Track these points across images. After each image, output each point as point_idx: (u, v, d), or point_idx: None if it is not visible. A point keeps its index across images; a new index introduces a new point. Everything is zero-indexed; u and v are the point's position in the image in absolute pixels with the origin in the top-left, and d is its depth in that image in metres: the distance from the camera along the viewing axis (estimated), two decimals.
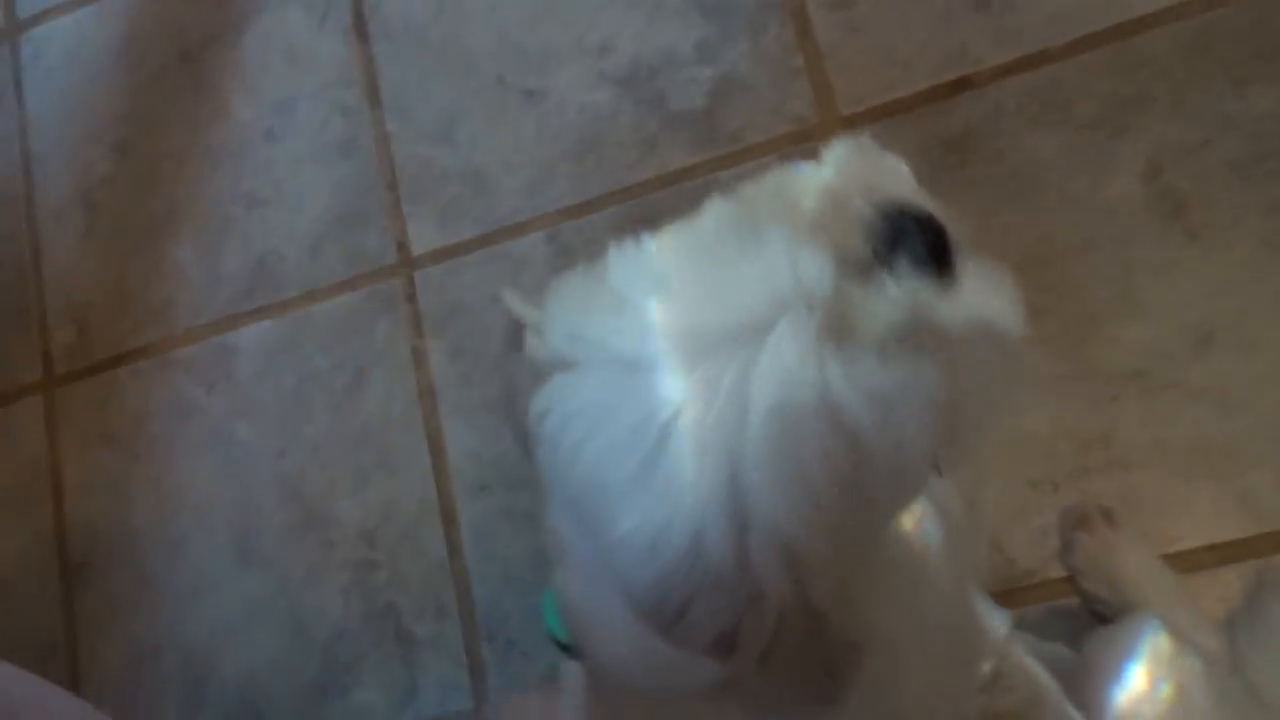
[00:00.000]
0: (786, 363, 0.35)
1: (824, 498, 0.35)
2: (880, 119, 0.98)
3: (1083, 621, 0.83)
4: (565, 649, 0.46)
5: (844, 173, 0.41)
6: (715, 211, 0.40)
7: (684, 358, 0.36)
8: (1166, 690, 0.62)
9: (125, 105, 1.25)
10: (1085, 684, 0.64)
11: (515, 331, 0.48)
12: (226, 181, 1.19)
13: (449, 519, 1.04)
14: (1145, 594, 0.79)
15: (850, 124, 0.98)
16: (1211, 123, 0.89)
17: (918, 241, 0.38)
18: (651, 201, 1.03)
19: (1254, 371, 0.84)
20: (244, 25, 1.21)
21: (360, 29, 1.17)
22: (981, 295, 0.39)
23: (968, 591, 0.60)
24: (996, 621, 0.68)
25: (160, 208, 1.20)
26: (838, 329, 0.36)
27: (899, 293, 0.37)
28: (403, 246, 1.10)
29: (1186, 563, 0.82)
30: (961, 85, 0.96)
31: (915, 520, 0.48)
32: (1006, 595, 0.86)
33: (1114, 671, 0.64)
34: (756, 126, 1.01)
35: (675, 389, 0.36)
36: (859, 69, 0.99)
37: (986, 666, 0.62)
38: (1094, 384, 0.87)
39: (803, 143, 0.99)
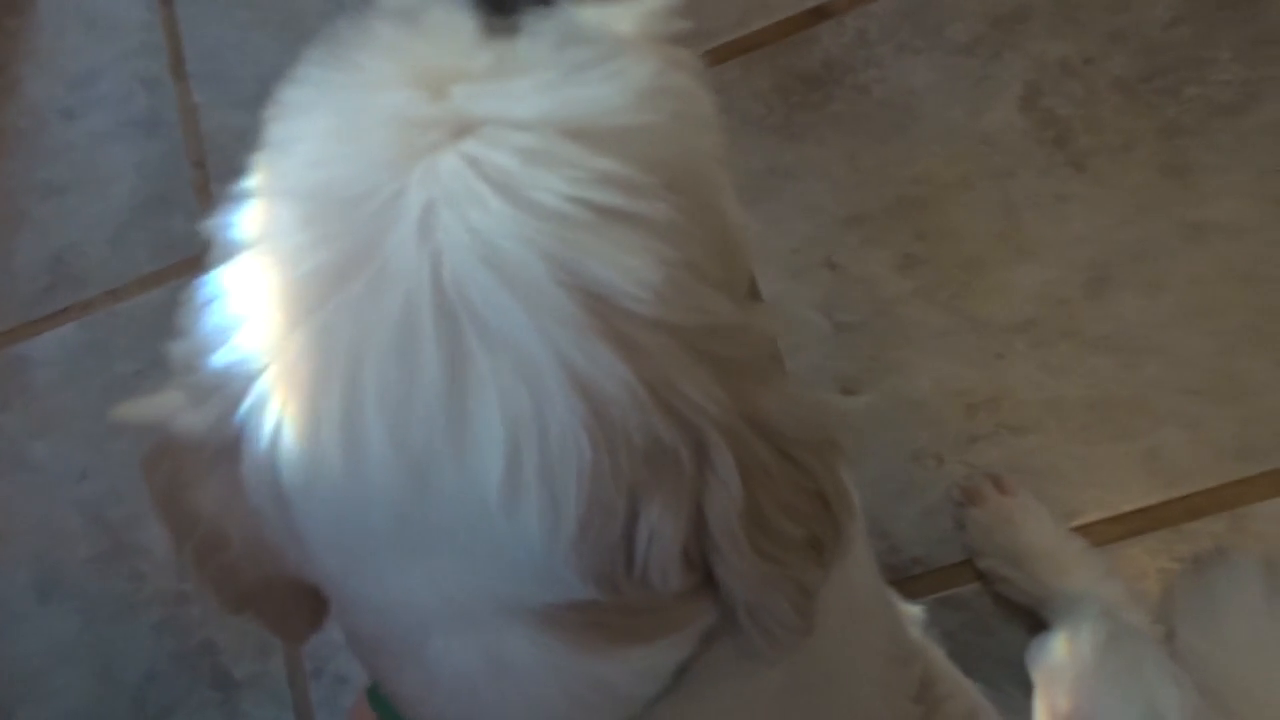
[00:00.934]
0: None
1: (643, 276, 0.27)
2: (733, 57, 0.86)
3: (980, 612, 0.72)
4: None
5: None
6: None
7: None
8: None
9: None
10: (1048, 701, 0.55)
11: None
12: (20, 169, 1.05)
13: None
14: (1055, 567, 0.69)
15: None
16: (1095, 39, 0.78)
17: None
18: None
19: (1157, 314, 0.74)
20: None
21: None
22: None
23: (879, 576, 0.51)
24: (911, 615, 0.58)
25: None
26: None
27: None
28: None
29: (1092, 536, 0.71)
30: (819, 14, 0.85)
31: None
32: (894, 586, 0.74)
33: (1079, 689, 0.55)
34: None
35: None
36: (708, 4, 0.88)
37: (915, 669, 0.53)
38: (979, 338, 0.76)
39: None
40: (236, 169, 1.07)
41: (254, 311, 0.29)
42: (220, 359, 0.30)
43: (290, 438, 0.28)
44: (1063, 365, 0.74)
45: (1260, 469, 0.69)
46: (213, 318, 0.31)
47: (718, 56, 0.86)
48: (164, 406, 0.33)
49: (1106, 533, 0.71)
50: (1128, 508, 0.71)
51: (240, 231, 0.31)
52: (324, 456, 0.28)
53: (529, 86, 0.29)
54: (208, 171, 0.99)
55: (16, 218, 1.04)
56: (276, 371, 0.28)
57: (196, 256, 1.04)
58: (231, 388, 0.29)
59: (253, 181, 0.32)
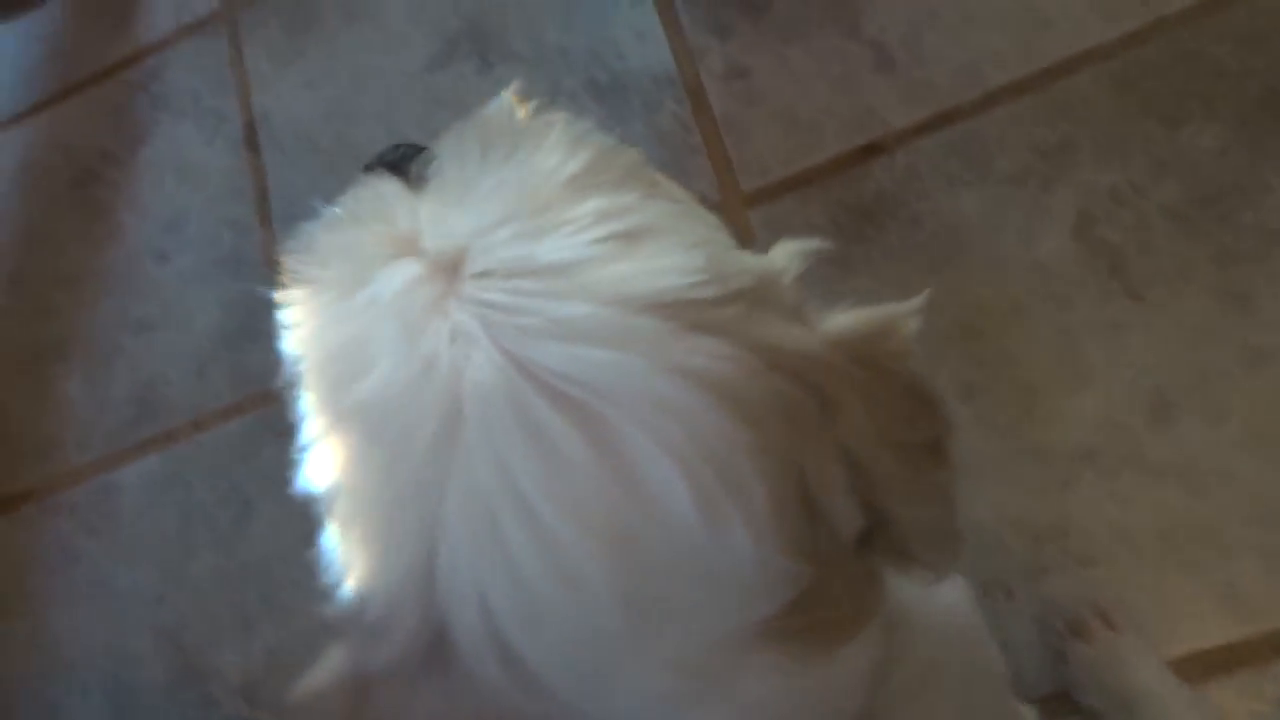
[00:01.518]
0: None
1: None
2: (787, 192, 0.89)
3: None
4: None
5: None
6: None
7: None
8: None
9: (22, 234, 1.20)
10: None
11: None
12: (116, 306, 1.11)
13: None
14: (1165, 712, 0.66)
15: (754, 201, 0.90)
16: (1145, 168, 0.79)
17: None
18: None
19: (1222, 441, 0.72)
20: (137, 144, 1.16)
21: (250, 140, 1.11)
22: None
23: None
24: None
25: (49, 338, 1.13)
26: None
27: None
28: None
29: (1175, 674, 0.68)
30: (871, 150, 0.88)
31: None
32: None
33: None
34: None
35: None
36: (761, 142, 0.91)
37: None
38: (1041, 466, 0.75)
39: None
40: None
41: (382, 529, 0.30)
42: (369, 592, 0.30)
43: (499, 601, 0.28)
44: (1128, 494, 0.73)
45: None
46: (342, 564, 0.31)
47: (774, 192, 0.89)
48: (334, 664, 0.33)
49: (1185, 671, 0.69)
50: (1208, 644, 0.69)
51: (324, 476, 0.32)
52: (536, 593, 0.28)
53: (475, 215, 0.31)
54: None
55: (111, 352, 1.10)
56: (446, 565, 0.28)
57: (273, 390, 1.08)
58: (402, 606, 0.29)
59: (305, 407, 0.33)
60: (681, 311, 0.28)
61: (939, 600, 0.42)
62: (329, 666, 0.33)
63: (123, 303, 1.11)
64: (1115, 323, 0.77)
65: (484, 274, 0.29)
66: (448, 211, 0.32)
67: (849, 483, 0.31)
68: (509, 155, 0.32)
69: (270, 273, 1.06)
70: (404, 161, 0.36)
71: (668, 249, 0.30)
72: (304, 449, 0.33)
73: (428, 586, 0.28)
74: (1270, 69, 0.79)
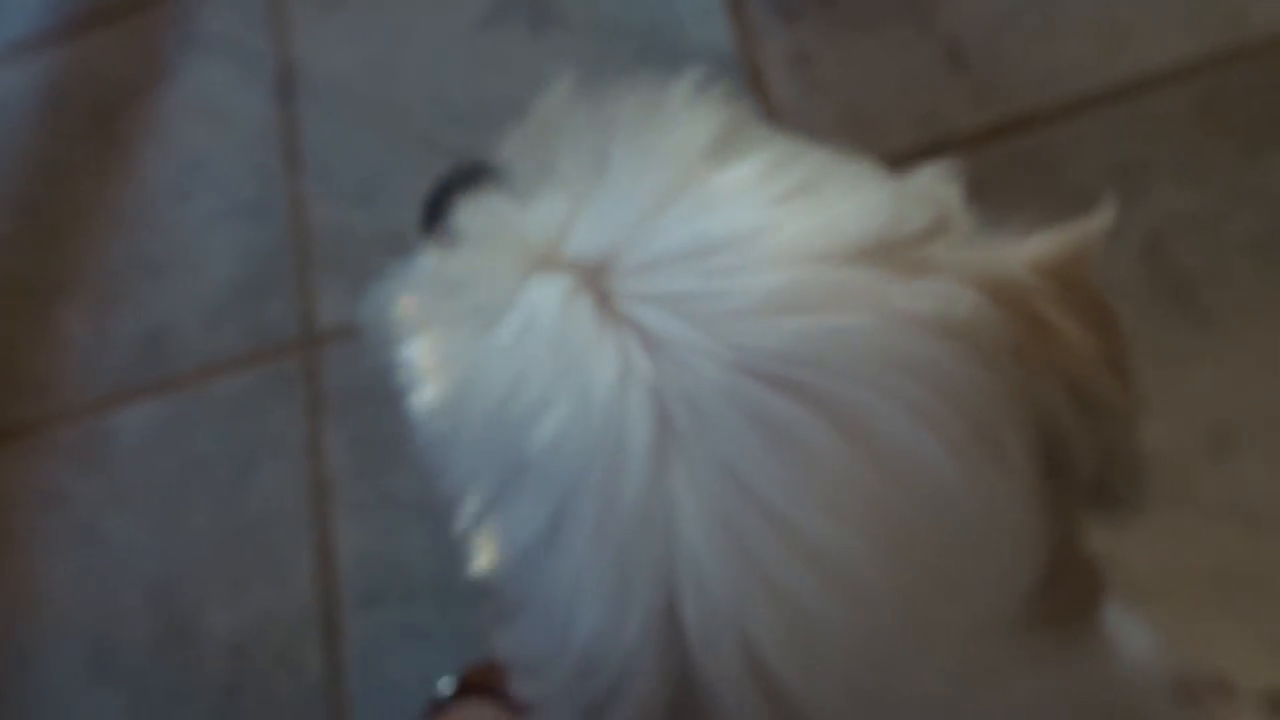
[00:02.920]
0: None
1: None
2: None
3: None
4: None
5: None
6: None
7: None
8: None
9: (38, 162, 1.16)
10: None
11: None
12: (129, 245, 1.07)
13: (332, 634, 0.88)
14: None
15: None
16: (1222, 194, 0.76)
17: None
18: None
19: None
20: (166, 81, 1.12)
21: (285, 87, 1.07)
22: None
23: None
24: None
25: (56, 271, 1.09)
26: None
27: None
28: (308, 320, 0.98)
29: None
30: (934, 151, 0.84)
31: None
32: None
33: None
34: None
35: None
36: (818, 133, 0.88)
37: None
38: None
39: None
40: (336, 261, 1.08)
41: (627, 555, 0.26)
42: (594, 659, 0.26)
43: (762, 630, 0.24)
44: (1183, 532, 0.70)
45: None
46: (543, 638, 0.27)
47: None
48: None
49: None
50: (1252, 689, 0.66)
51: (506, 548, 0.28)
52: (803, 611, 0.24)
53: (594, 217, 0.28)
54: (309, 262, 1.00)
55: (117, 291, 1.06)
56: (692, 604, 0.25)
57: (287, 343, 1.04)
58: (641, 664, 0.26)
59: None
60: (891, 254, 0.25)
61: (1131, 645, 0.39)
62: None
63: (136, 241, 1.07)
64: (1179, 352, 0.74)
65: (652, 266, 0.26)
66: (583, 210, 0.28)
67: (1079, 418, 0.28)
68: (629, 137, 0.29)
69: (293, 226, 1.02)
70: (473, 182, 0.32)
71: (848, 193, 0.27)
72: (469, 524, 0.28)
73: (671, 634, 0.25)
74: None
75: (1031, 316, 0.27)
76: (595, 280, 0.27)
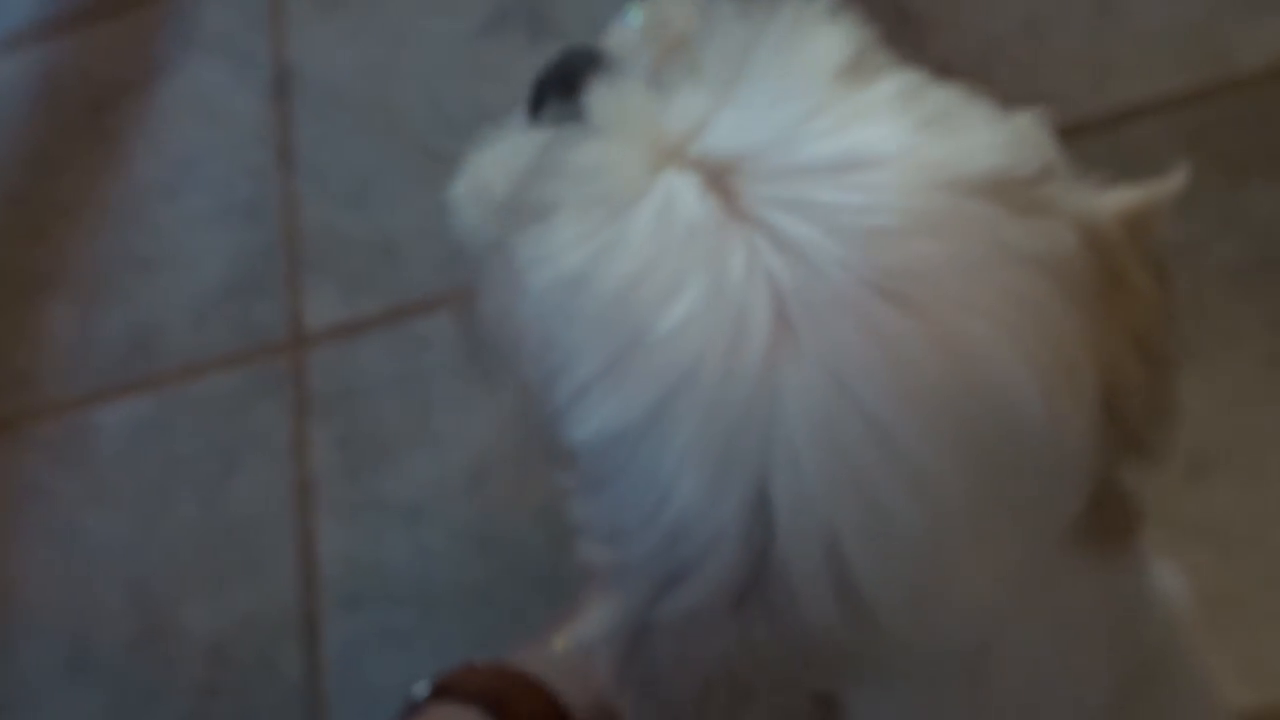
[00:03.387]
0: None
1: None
2: None
3: None
4: None
5: None
6: None
7: None
8: None
9: (29, 154, 1.15)
10: None
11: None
12: (117, 241, 1.07)
13: (311, 635, 0.88)
14: None
15: None
16: (1207, 221, 0.78)
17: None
18: None
19: (1258, 507, 0.71)
20: (160, 77, 1.12)
21: (281, 86, 1.07)
22: None
23: None
24: None
25: (42, 265, 1.08)
26: None
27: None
28: (296, 321, 0.98)
29: None
30: None
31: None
32: None
33: None
34: None
35: None
36: None
37: None
38: None
39: None
40: (326, 263, 1.08)
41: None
42: (681, 531, 0.27)
43: (847, 525, 0.26)
44: (1159, 553, 0.71)
45: None
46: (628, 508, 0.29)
47: None
48: (602, 613, 0.31)
49: None
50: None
51: (606, 419, 0.28)
52: (885, 511, 0.26)
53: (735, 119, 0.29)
54: (299, 262, 1.00)
55: (104, 288, 1.06)
56: (785, 492, 0.26)
57: (275, 343, 1.04)
58: (725, 542, 0.27)
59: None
60: (1010, 192, 0.27)
61: (1161, 585, 0.41)
62: (596, 617, 0.30)
63: (124, 238, 1.07)
64: None
65: (787, 173, 0.27)
66: (722, 110, 0.29)
67: (1138, 366, 0.30)
68: (770, 45, 0.30)
69: (285, 227, 1.02)
70: (584, 70, 0.33)
71: (974, 128, 0.28)
72: (573, 395, 0.29)
73: (760, 518, 0.26)
74: None
75: (1113, 265, 0.30)
76: (728, 179, 0.28)
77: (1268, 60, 0.81)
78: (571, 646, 0.29)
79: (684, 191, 0.28)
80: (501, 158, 0.37)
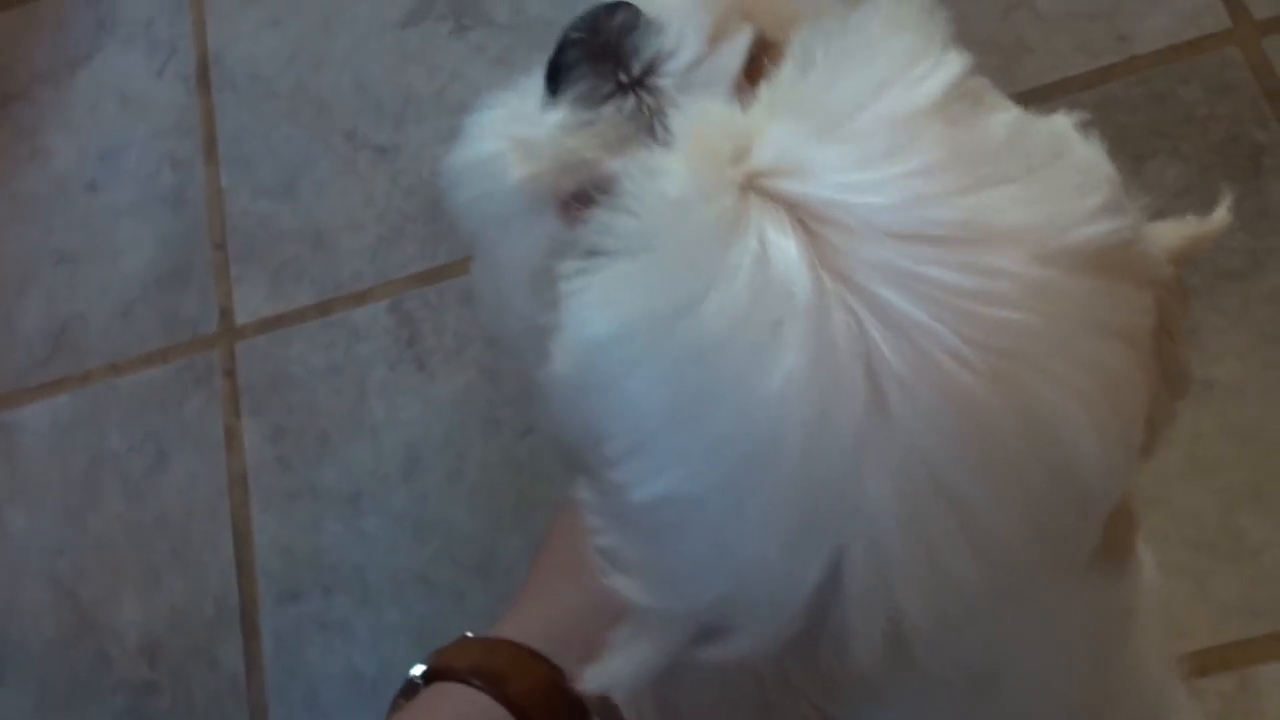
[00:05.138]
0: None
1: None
2: None
3: None
4: None
5: None
6: None
7: None
8: None
9: None
10: None
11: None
12: (35, 235, 1.05)
13: (249, 628, 0.87)
14: None
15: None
16: None
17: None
18: None
19: (1160, 468, 0.75)
20: (76, 66, 1.10)
21: (202, 76, 1.06)
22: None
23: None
24: None
25: None
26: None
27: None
28: (226, 313, 0.97)
29: None
30: None
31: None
32: None
33: None
34: None
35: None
36: None
37: None
38: None
39: None
40: (254, 254, 1.07)
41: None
42: (745, 588, 0.27)
43: (909, 587, 0.26)
44: None
45: (1267, 630, 0.70)
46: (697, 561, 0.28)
47: None
48: (636, 653, 0.29)
49: None
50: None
51: (674, 473, 0.27)
52: (949, 573, 0.26)
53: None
54: (227, 254, 0.99)
55: (25, 282, 1.03)
56: (859, 559, 0.26)
57: (204, 336, 1.03)
58: (792, 600, 0.27)
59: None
60: (1104, 262, 0.26)
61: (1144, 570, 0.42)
62: (629, 656, 0.29)
63: (44, 231, 1.05)
64: None
65: (894, 240, 0.25)
66: (818, 147, 0.26)
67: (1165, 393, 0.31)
68: (856, 66, 0.27)
69: (211, 218, 1.01)
70: (615, 30, 0.30)
71: (1076, 185, 0.27)
72: (634, 448, 0.27)
73: (829, 582, 0.26)
74: (1233, 117, 0.82)
75: (1167, 315, 0.30)
76: (827, 231, 0.25)
77: (1164, 44, 0.85)
78: (593, 686, 0.28)
79: (781, 241, 0.25)
80: (510, 127, 0.34)
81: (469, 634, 0.45)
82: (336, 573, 0.87)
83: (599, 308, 0.26)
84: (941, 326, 0.25)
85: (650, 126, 0.31)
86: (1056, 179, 0.27)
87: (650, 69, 0.32)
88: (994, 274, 0.25)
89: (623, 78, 0.31)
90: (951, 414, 0.25)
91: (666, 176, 0.27)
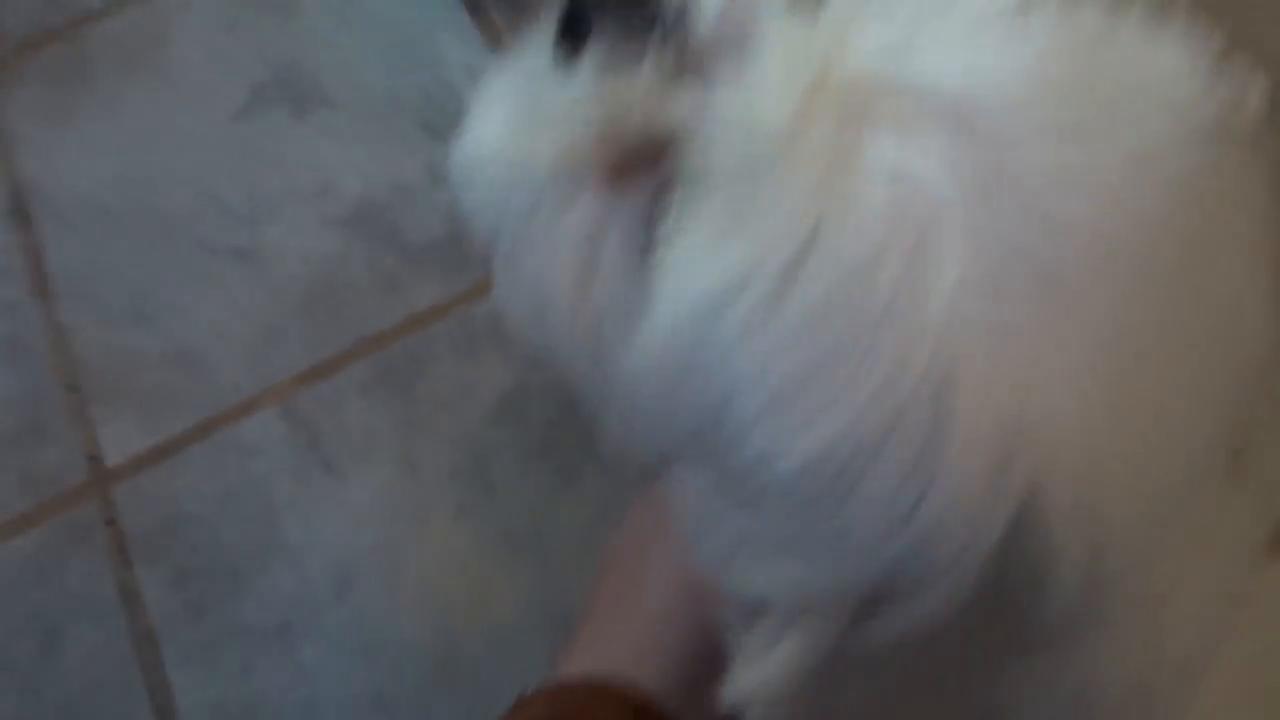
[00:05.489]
0: None
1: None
2: None
3: None
4: None
5: None
6: None
7: None
8: None
9: None
10: None
11: None
12: None
13: None
14: None
15: None
16: None
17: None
18: (403, 348, 0.87)
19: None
20: None
21: (20, 211, 0.96)
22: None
23: None
24: None
25: None
26: None
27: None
28: (94, 459, 0.87)
29: None
30: None
31: None
32: None
33: None
34: None
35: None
36: None
37: None
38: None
39: None
40: (116, 390, 0.98)
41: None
42: (925, 537, 0.24)
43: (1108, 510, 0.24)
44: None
45: None
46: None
47: None
48: (785, 652, 0.27)
49: None
50: None
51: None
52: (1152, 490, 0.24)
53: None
54: (81, 395, 0.90)
55: None
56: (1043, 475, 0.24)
57: (73, 488, 0.92)
58: (976, 547, 0.24)
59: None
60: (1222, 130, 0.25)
61: None
62: (775, 658, 0.26)
63: None
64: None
65: (1026, 136, 0.23)
66: (925, 44, 0.24)
67: None
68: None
69: (57, 360, 0.91)
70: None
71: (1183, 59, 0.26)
72: (767, 412, 0.24)
73: (1031, 499, 0.23)
74: None
75: None
76: (952, 126, 0.23)
77: None
78: (736, 699, 0.24)
79: (912, 144, 0.23)
80: (527, 103, 0.30)
81: (522, 693, 0.39)
82: (282, 717, 0.79)
83: (705, 260, 0.23)
84: (1092, 217, 0.23)
85: (699, 68, 0.27)
86: (1165, 52, 0.26)
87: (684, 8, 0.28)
88: (1145, 160, 0.23)
89: (658, 26, 0.28)
90: (1134, 301, 0.23)
91: (759, 107, 0.24)
